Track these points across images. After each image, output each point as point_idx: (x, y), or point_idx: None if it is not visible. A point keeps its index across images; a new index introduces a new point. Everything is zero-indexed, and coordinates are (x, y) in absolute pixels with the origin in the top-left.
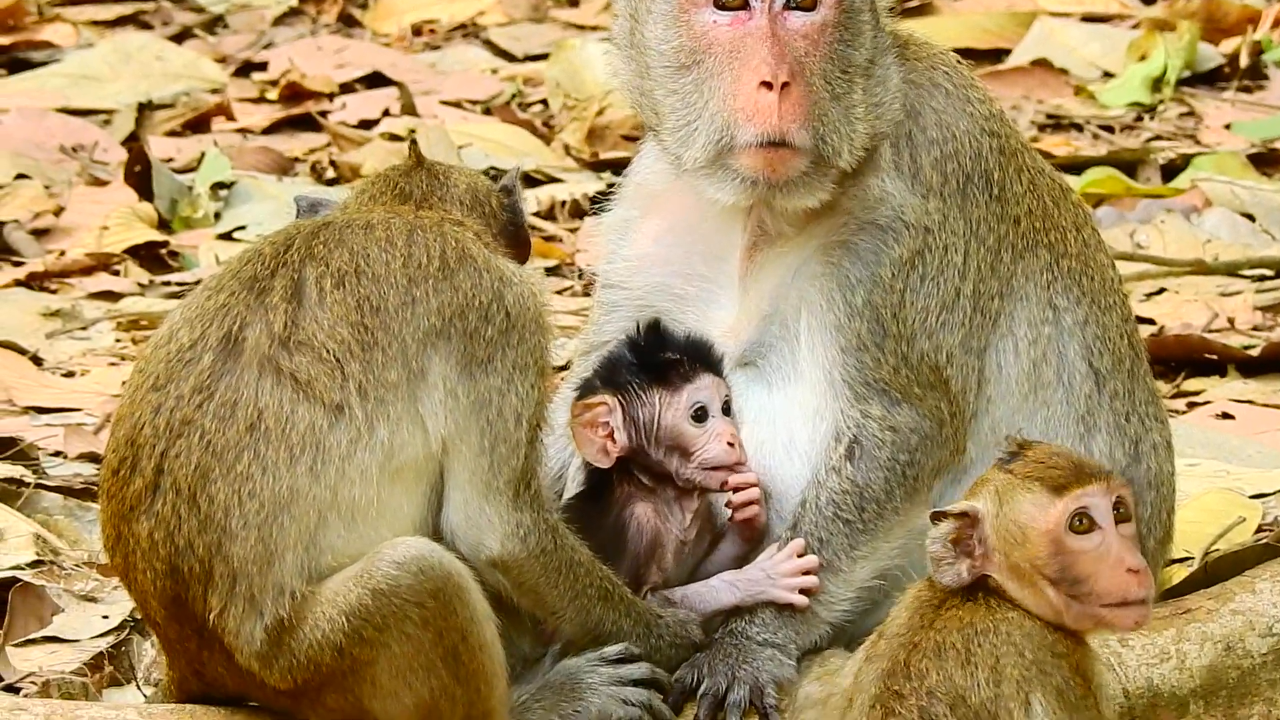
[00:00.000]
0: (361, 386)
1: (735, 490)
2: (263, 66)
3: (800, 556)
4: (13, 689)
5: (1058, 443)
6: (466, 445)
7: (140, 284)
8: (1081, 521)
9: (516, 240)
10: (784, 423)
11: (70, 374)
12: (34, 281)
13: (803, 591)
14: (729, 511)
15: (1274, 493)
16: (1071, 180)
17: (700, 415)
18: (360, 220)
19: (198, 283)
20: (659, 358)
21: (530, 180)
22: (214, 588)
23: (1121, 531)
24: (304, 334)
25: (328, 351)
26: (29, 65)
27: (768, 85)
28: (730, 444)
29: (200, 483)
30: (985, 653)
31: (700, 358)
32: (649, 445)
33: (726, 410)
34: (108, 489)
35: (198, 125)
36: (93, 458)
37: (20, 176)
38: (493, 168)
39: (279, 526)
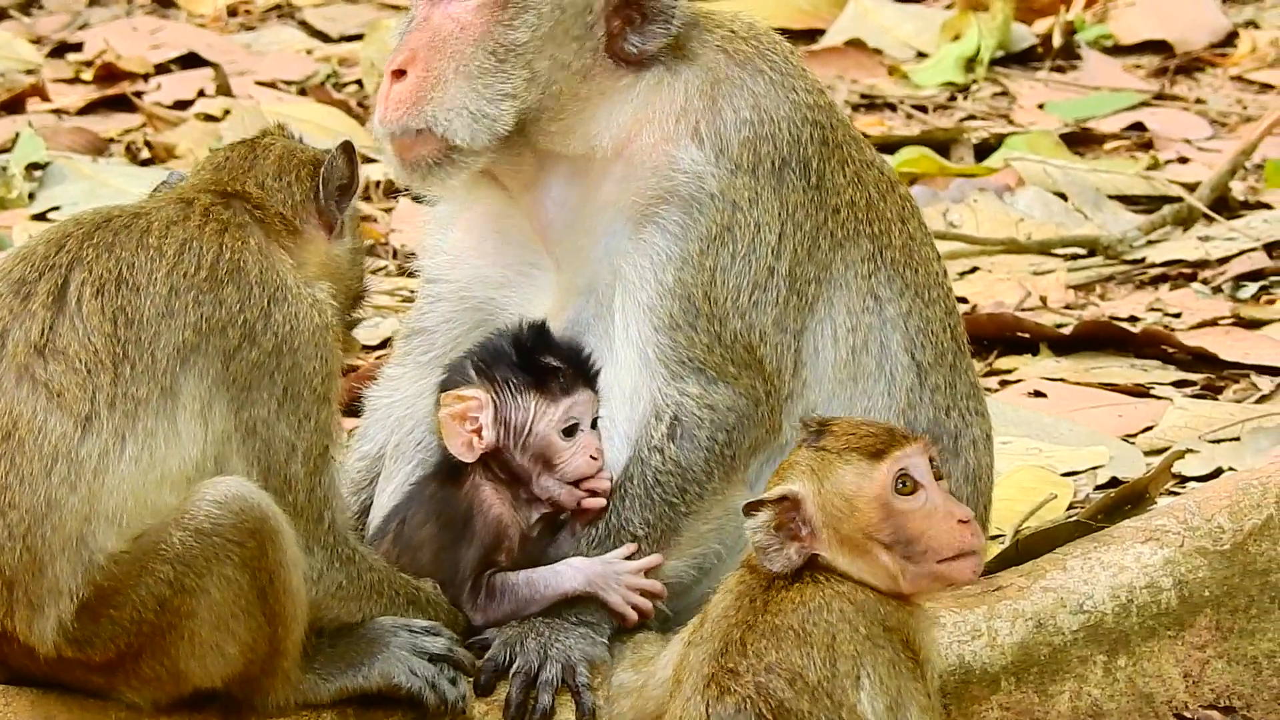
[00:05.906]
0: (111, 399)
1: (591, 494)
2: (78, 47)
3: (646, 574)
4: None
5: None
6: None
7: None
8: (905, 484)
9: (321, 214)
10: (604, 403)
11: None
12: None
13: (634, 608)
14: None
15: (1085, 470)
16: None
17: (571, 430)
18: (142, 220)
19: None
20: (542, 362)
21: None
22: None
23: (941, 487)
24: (60, 343)
25: (80, 362)
26: None
27: (395, 75)
28: (593, 457)
29: None
30: (821, 631)
31: (581, 370)
32: (514, 448)
33: (594, 425)
34: None
35: (12, 106)
36: None
37: None
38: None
39: (42, 536)
